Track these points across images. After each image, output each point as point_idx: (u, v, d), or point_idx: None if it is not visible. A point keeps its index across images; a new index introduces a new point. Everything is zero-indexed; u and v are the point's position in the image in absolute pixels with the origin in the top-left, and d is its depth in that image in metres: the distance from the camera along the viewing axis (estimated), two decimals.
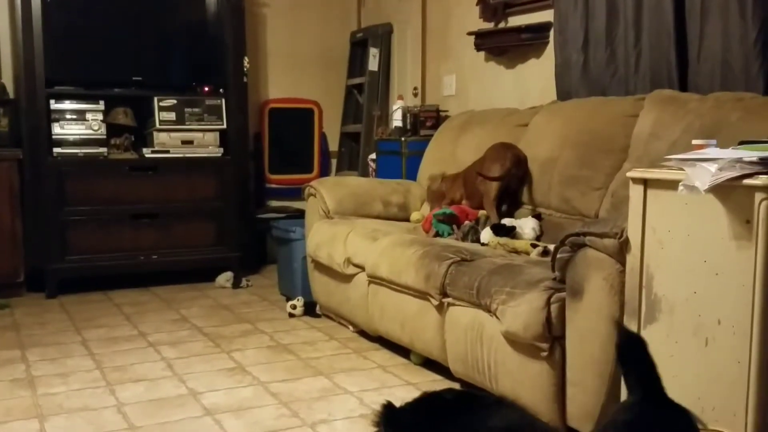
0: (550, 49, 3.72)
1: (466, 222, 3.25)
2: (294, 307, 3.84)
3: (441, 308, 2.73)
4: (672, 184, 1.81)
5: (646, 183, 1.90)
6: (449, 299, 2.68)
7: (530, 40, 3.87)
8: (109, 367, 3.01)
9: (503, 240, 2.98)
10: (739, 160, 1.69)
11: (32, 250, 4.23)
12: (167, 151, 4.48)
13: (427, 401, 1.35)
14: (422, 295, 2.82)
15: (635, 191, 1.93)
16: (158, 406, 2.60)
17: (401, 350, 3.13)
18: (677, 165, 1.83)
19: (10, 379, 2.86)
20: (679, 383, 1.72)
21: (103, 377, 2.89)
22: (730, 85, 2.76)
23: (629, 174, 1.96)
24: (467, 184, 3.49)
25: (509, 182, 3.29)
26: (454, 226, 3.28)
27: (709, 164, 1.72)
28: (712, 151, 1.84)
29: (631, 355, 1.47)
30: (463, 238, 3.15)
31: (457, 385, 2.67)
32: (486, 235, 3.08)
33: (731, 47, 2.76)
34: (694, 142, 2.01)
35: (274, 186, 5.33)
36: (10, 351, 3.22)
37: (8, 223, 4.16)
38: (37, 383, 2.82)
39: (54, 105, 4.24)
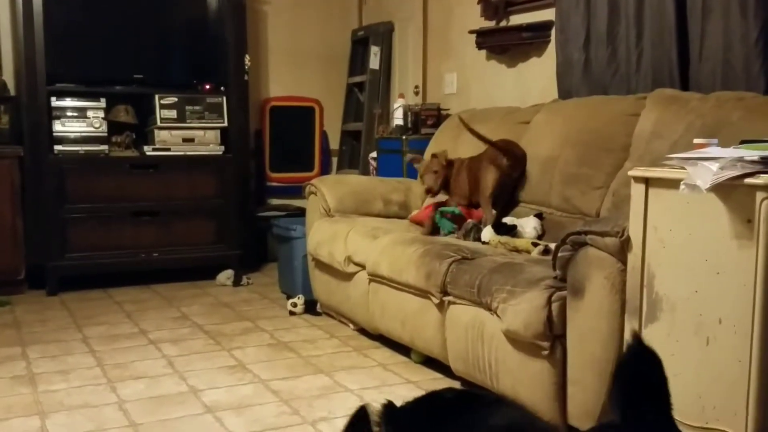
0: (551, 48, 3.71)
1: (469, 220, 3.25)
2: (294, 305, 3.84)
3: (442, 306, 2.73)
4: (673, 183, 1.81)
5: (647, 182, 1.90)
6: (450, 297, 2.68)
7: (531, 39, 3.87)
8: (109, 364, 3.01)
9: (504, 239, 2.98)
10: (741, 159, 1.69)
11: (33, 248, 4.23)
12: (168, 149, 4.48)
13: (427, 400, 1.34)
14: (423, 293, 2.82)
15: (637, 190, 1.93)
16: (159, 403, 2.60)
17: (402, 348, 3.13)
18: (679, 164, 1.83)
19: (11, 376, 2.87)
20: (680, 382, 1.72)
21: (104, 374, 2.89)
22: (731, 84, 2.76)
23: (631, 173, 1.96)
24: (471, 177, 3.47)
25: (505, 179, 3.28)
26: (455, 225, 3.27)
27: (711, 163, 1.72)
28: (714, 150, 1.84)
29: (642, 372, 1.28)
30: (465, 237, 3.14)
31: (457, 384, 2.67)
32: (487, 233, 3.08)
33: (732, 46, 2.76)
34: (696, 141, 2.01)
35: (274, 184, 5.33)
36: (10, 348, 3.23)
37: (9, 220, 4.16)
38: (38, 380, 2.82)
39: (55, 102, 4.23)
